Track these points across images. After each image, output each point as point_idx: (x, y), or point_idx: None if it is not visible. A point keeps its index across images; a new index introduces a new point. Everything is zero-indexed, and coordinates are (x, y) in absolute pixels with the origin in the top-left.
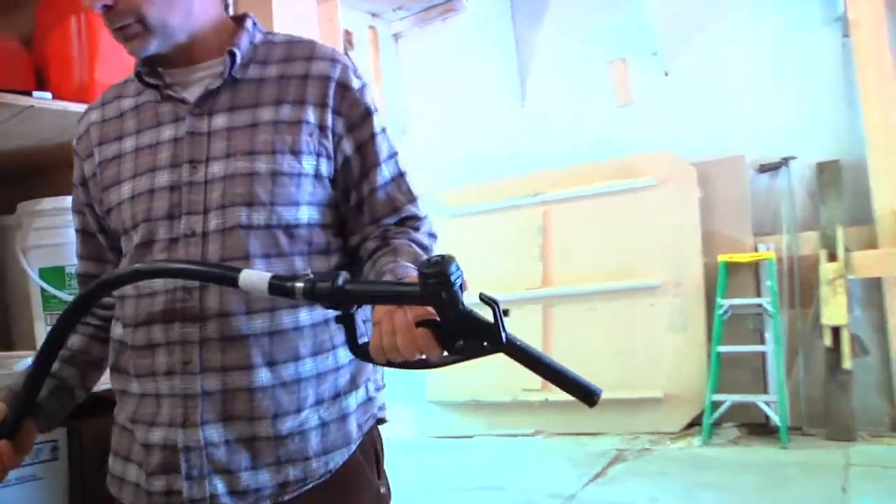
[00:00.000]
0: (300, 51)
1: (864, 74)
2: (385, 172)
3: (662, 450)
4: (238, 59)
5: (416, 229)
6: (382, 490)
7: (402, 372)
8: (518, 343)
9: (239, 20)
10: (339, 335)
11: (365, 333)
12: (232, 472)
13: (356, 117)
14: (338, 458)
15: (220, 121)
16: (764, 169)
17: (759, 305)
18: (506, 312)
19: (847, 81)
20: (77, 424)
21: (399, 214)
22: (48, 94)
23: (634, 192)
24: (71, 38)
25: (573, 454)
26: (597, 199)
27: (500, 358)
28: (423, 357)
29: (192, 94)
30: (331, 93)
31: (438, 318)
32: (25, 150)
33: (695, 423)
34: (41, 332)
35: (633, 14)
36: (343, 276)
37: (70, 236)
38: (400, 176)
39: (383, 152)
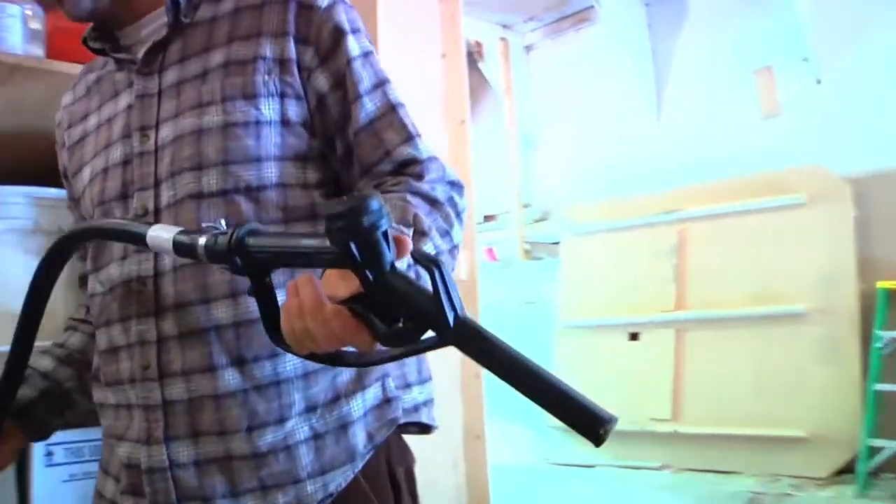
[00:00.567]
0: None
1: None
2: (369, 106)
3: (807, 497)
4: (183, 1)
5: (419, 177)
6: None
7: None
8: (478, 332)
9: None
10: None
11: None
12: (207, 499)
13: (326, 43)
14: (340, 479)
15: (170, 76)
16: None
17: None
18: (635, 336)
19: None
20: None
21: (393, 160)
22: None
23: (781, 210)
24: None
25: (703, 494)
26: (738, 217)
27: (628, 382)
28: (353, 349)
29: (141, 53)
30: (290, 17)
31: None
32: None
33: (845, 470)
34: None
35: (780, 19)
36: (249, 227)
37: None
38: (391, 110)
39: (365, 81)
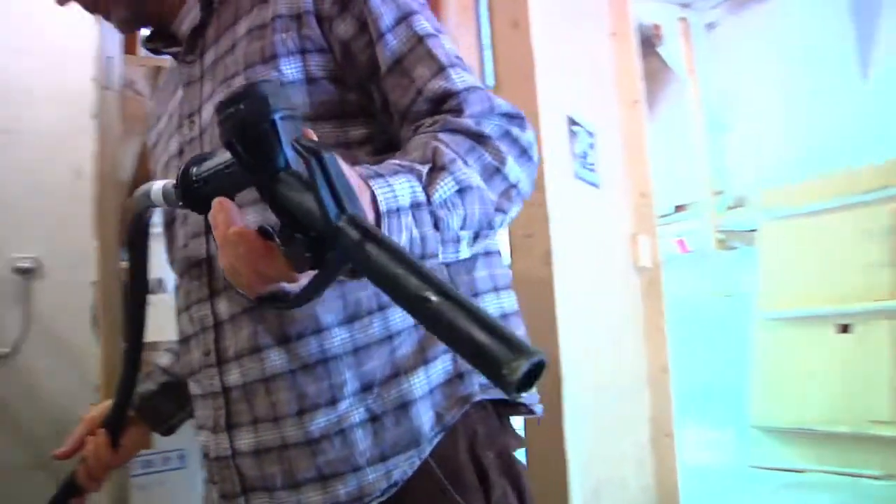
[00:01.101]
0: None
1: None
2: (393, 43)
3: None
4: None
5: (458, 112)
6: None
7: (719, 390)
8: (369, 233)
9: None
10: None
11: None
12: (269, 490)
13: None
14: (404, 466)
15: (208, 58)
16: None
17: None
18: (845, 328)
19: None
20: None
21: (427, 97)
22: None
23: None
24: None
25: None
26: None
27: (840, 379)
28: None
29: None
30: None
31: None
32: None
33: None
34: None
35: None
36: (196, 156)
37: None
38: (418, 42)
39: (386, 17)
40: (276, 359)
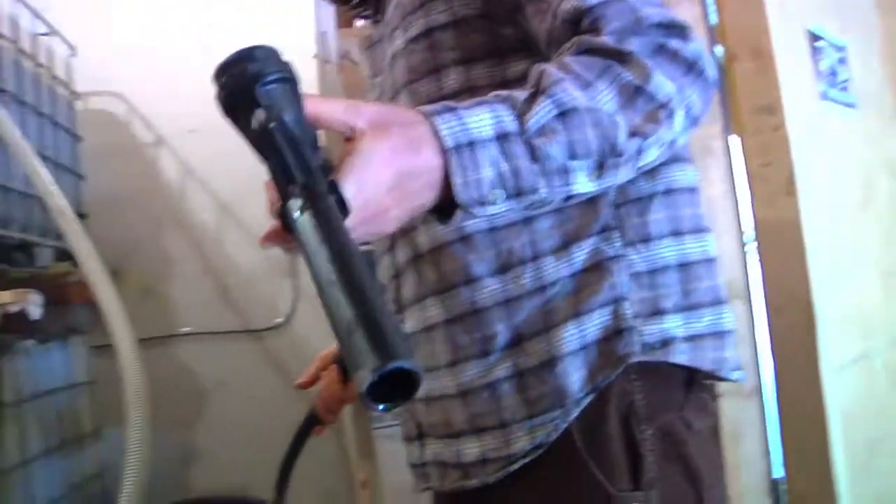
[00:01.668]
0: None
1: None
2: None
3: None
4: None
5: (594, 31)
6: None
7: None
8: (312, 211)
9: None
10: (548, 239)
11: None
12: (437, 437)
13: None
14: (549, 429)
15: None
16: None
17: None
18: None
19: None
20: None
21: (561, 20)
22: None
23: None
24: None
25: None
26: None
27: None
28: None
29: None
30: None
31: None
32: None
33: None
34: None
35: None
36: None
37: None
38: None
39: None
40: (432, 309)
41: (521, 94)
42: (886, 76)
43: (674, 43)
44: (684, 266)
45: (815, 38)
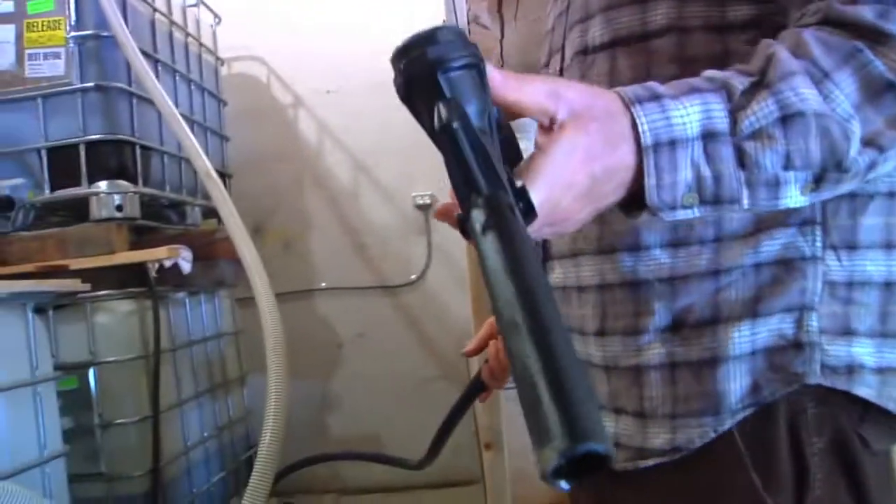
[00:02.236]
0: None
1: None
2: None
3: None
4: None
5: None
6: None
7: None
8: (496, 231)
9: None
10: (736, 220)
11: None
12: (601, 408)
13: None
14: (693, 434)
15: None
16: None
17: None
18: None
19: None
20: None
21: None
22: None
23: None
24: None
25: None
26: None
27: None
28: None
29: None
30: None
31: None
32: None
33: None
34: None
35: None
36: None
37: None
38: None
39: None
40: (587, 269)
41: (740, 82)
42: None
43: None
44: (890, 286)
45: None
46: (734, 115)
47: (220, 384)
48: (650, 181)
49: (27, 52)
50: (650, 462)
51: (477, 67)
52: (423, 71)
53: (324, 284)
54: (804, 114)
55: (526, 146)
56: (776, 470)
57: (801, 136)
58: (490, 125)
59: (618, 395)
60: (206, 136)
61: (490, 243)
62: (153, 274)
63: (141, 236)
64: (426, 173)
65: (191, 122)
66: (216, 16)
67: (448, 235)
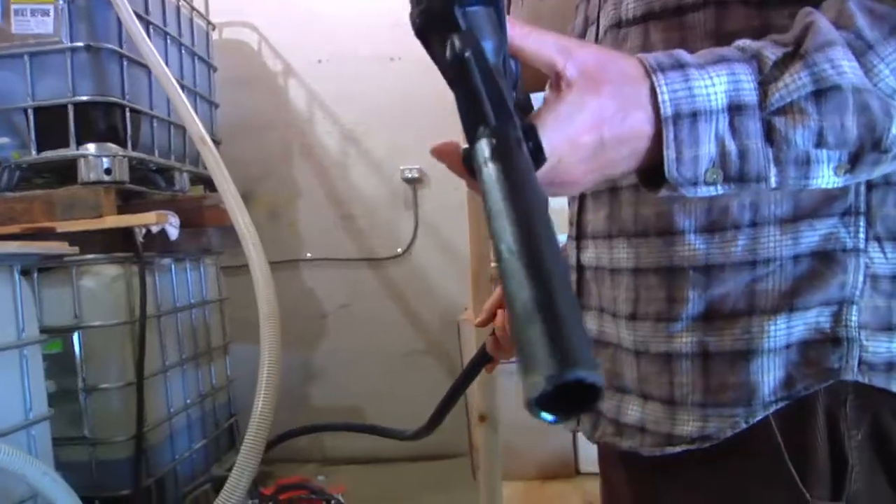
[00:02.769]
0: None
1: None
2: None
3: None
4: None
5: None
6: None
7: None
8: (498, 162)
9: None
10: (775, 205)
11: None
12: (620, 390)
13: None
14: (724, 424)
15: None
16: None
17: None
18: None
19: None
20: None
21: None
22: None
23: None
24: None
25: None
26: None
27: None
28: None
29: None
30: None
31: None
32: None
33: None
34: None
35: None
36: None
37: None
38: None
39: None
40: (621, 251)
41: (772, 53)
42: None
43: None
44: None
45: None
46: (764, 87)
47: (203, 352)
48: (670, 154)
49: (13, 6)
50: (677, 449)
51: (495, 5)
52: (440, 4)
53: (309, 255)
54: (840, 88)
55: None
56: (814, 462)
57: (836, 112)
58: (505, 69)
59: (647, 379)
60: (196, 101)
61: (492, 173)
62: (140, 239)
63: (127, 201)
64: (414, 147)
65: (181, 87)
66: None
67: (435, 209)
